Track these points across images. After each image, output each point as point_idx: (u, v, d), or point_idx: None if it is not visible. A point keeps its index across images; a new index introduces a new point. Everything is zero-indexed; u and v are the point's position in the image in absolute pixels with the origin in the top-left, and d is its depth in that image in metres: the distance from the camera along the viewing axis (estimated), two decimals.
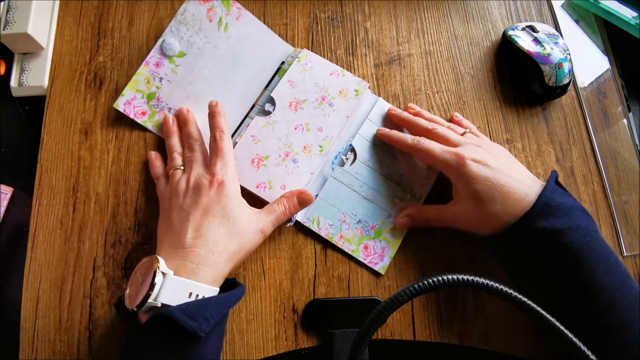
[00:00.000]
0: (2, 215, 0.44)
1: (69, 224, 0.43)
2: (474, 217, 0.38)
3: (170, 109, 0.45)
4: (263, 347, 0.40)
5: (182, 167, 0.41)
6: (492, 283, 0.28)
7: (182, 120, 0.44)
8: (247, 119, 0.46)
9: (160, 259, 0.33)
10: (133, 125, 0.46)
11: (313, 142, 0.44)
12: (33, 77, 0.48)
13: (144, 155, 0.45)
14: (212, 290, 0.34)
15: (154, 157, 0.44)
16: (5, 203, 0.44)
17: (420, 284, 0.28)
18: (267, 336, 0.40)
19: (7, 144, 0.48)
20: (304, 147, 0.44)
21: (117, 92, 0.47)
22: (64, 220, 0.43)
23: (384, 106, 0.47)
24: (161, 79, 0.45)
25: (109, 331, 0.40)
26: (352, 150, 0.45)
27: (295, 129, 0.44)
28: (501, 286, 0.28)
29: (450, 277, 0.28)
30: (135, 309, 0.32)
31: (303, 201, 0.41)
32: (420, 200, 0.43)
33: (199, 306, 0.32)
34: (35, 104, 0.47)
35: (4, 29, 0.46)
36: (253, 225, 0.38)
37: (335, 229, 0.42)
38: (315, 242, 0.43)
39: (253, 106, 0.46)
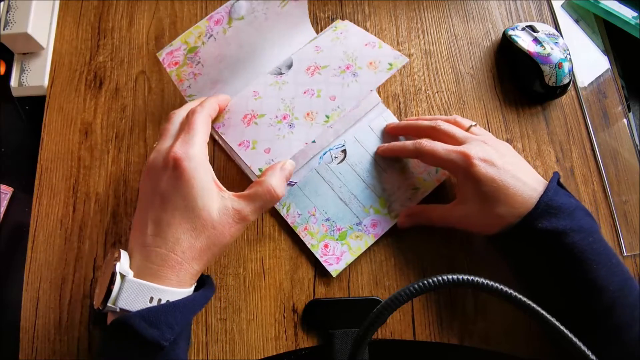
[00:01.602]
0: (2, 215, 0.44)
1: (69, 224, 0.43)
2: (478, 219, 0.38)
3: (198, 62, 0.43)
4: (263, 347, 0.40)
5: None
6: (492, 283, 0.28)
7: (209, 98, 0.40)
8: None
9: (123, 256, 0.30)
10: (133, 125, 0.46)
11: (319, 110, 0.40)
12: (33, 77, 0.48)
13: (144, 155, 0.45)
14: (177, 294, 0.31)
15: None
16: (5, 203, 0.44)
17: (420, 284, 0.28)
18: (267, 336, 0.40)
19: (7, 144, 0.48)
20: (307, 114, 0.40)
21: (117, 92, 0.47)
22: (64, 220, 0.43)
23: (389, 119, 0.46)
24: (211, 36, 0.42)
25: None
26: (344, 151, 0.44)
27: (305, 93, 0.41)
28: (501, 286, 0.28)
29: (450, 277, 0.28)
30: (99, 309, 0.30)
31: (289, 175, 0.37)
32: (395, 219, 0.42)
33: (161, 312, 0.29)
34: (35, 104, 0.47)
35: (4, 29, 0.46)
36: (227, 215, 0.32)
37: (302, 220, 0.42)
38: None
39: None
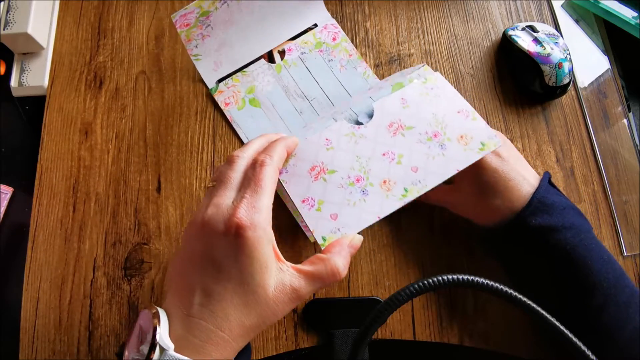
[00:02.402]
0: (2, 215, 0.44)
1: (69, 224, 0.43)
2: (472, 207, 0.38)
3: (208, 25, 0.45)
4: (263, 347, 0.40)
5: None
6: (492, 283, 0.28)
7: (272, 139, 0.34)
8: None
9: (163, 323, 0.27)
10: (133, 125, 0.46)
11: (398, 181, 0.34)
12: (33, 77, 0.48)
13: (144, 155, 0.45)
14: None
15: None
16: (5, 203, 0.44)
17: (420, 284, 0.28)
18: (267, 336, 0.40)
19: (7, 144, 0.48)
20: (384, 182, 0.34)
21: (117, 92, 0.47)
22: (64, 220, 0.43)
23: None
24: (225, 2, 0.44)
25: (109, 331, 0.40)
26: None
27: (384, 155, 0.35)
28: (501, 286, 0.28)
29: (450, 277, 0.28)
30: None
31: (355, 252, 0.32)
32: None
33: None
34: (35, 104, 0.47)
35: (4, 29, 0.46)
36: (283, 292, 0.28)
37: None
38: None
39: (271, 56, 0.48)
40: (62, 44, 0.49)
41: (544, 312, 0.28)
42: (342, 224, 0.33)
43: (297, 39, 0.49)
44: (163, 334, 0.26)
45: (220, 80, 0.48)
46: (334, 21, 0.50)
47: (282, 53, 0.48)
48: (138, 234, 0.42)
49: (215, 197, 0.29)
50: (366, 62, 0.49)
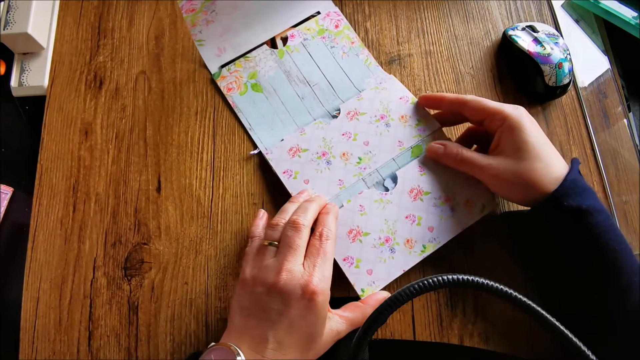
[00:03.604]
0: (2, 215, 0.44)
1: (69, 224, 0.43)
2: (512, 173, 0.37)
3: (213, 11, 0.46)
4: None
5: (277, 244, 0.36)
6: (492, 283, 0.28)
7: (327, 207, 0.40)
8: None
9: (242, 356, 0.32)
10: (133, 125, 0.46)
11: (418, 240, 0.41)
12: (33, 77, 0.48)
13: (144, 155, 0.45)
14: None
15: (261, 216, 0.41)
16: (5, 203, 0.44)
17: (420, 283, 0.28)
18: None
19: (7, 144, 0.48)
20: (407, 241, 0.41)
21: (117, 92, 0.47)
22: (64, 220, 0.43)
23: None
24: None
25: (109, 331, 0.40)
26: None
27: (406, 218, 0.41)
28: (501, 286, 0.28)
29: (450, 277, 0.28)
30: None
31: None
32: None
33: None
34: (35, 104, 0.47)
35: (4, 29, 0.46)
36: (330, 335, 0.35)
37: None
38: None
39: (273, 42, 0.48)
40: (62, 44, 0.49)
41: (544, 312, 0.28)
42: (376, 278, 0.40)
43: (300, 26, 0.49)
44: None
45: (223, 66, 0.48)
46: (337, 9, 0.50)
47: (284, 39, 0.48)
48: (138, 234, 0.42)
49: (286, 262, 0.34)
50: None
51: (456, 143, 0.42)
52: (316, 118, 0.46)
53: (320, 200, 0.40)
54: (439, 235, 0.41)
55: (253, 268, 0.36)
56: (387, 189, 0.42)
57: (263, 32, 0.48)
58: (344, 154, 0.43)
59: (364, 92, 0.46)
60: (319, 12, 0.50)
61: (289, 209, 0.39)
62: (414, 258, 0.40)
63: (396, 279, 0.40)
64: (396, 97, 0.46)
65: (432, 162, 0.43)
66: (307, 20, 0.49)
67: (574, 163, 0.37)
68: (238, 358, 0.31)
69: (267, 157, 0.44)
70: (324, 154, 0.43)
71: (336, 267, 0.40)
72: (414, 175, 0.43)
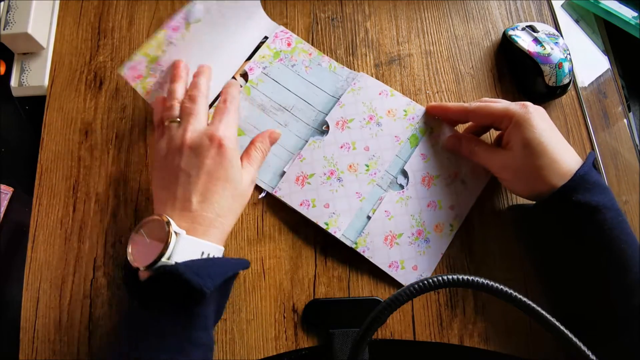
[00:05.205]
0: (2, 215, 0.44)
1: (69, 224, 0.43)
2: (518, 169, 0.38)
3: (162, 70, 0.42)
4: (263, 347, 0.40)
5: (179, 120, 0.38)
6: (492, 283, 0.28)
7: (199, 69, 0.42)
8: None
9: (170, 219, 0.33)
10: (133, 125, 0.46)
11: (444, 222, 0.42)
12: (33, 77, 0.48)
13: (144, 155, 0.45)
14: (220, 250, 0.36)
15: (161, 101, 0.41)
16: (5, 203, 0.44)
17: (420, 284, 0.28)
18: (267, 336, 0.40)
19: (7, 144, 0.48)
20: (436, 226, 0.42)
21: (117, 92, 0.47)
22: (64, 220, 0.43)
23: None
24: (170, 43, 0.41)
25: (109, 331, 0.40)
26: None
27: (428, 206, 0.43)
28: (501, 286, 0.28)
29: (450, 277, 0.28)
30: (145, 268, 0.31)
31: (274, 140, 0.43)
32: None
33: (204, 264, 0.32)
34: (35, 104, 0.47)
35: (4, 29, 0.46)
36: (248, 181, 0.39)
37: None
38: (315, 242, 0.43)
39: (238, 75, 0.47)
40: (62, 44, 0.49)
41: (544, 312, 0.28)
42: (422, 271, 0.41)
43: (254, 56, 0.48)
44: (175, 226, 0.32)
45: None
46: (282, 27, 0.49)
47: (244, 75, 0.47)
48: None
49: (189, 124, 0.37)
50: (366, 62, 0.49)
51: (471, 136, 0.44)
52: (307, 139, 0.45)
53: (205, 70, 0.42)
54: (460, 210, 0.43)
55: (165, 150, 0.37)
56: (402, 187, 0.43)
57: (221, 76, 0.46)
58: (350, 167, 0.44)
59: (342, 98, 0.46)
60: (266, 37, 0.49)
61: (177, 88, 0.40)
62: (446, 239, 0.42)
63: (438, 263, 0.42)
64: (375, 93, 0.46)
65: (430, 146, 0.45)
66: (258, 48, 0.48)
67: (588, 157, 0.37)
68: (169, 227, 0.32)
69: (278, 195, 0.43)
70: (332, 173, 0.43)
71: (383, 273, 0.41)
72: (420, 165, 0.44)
